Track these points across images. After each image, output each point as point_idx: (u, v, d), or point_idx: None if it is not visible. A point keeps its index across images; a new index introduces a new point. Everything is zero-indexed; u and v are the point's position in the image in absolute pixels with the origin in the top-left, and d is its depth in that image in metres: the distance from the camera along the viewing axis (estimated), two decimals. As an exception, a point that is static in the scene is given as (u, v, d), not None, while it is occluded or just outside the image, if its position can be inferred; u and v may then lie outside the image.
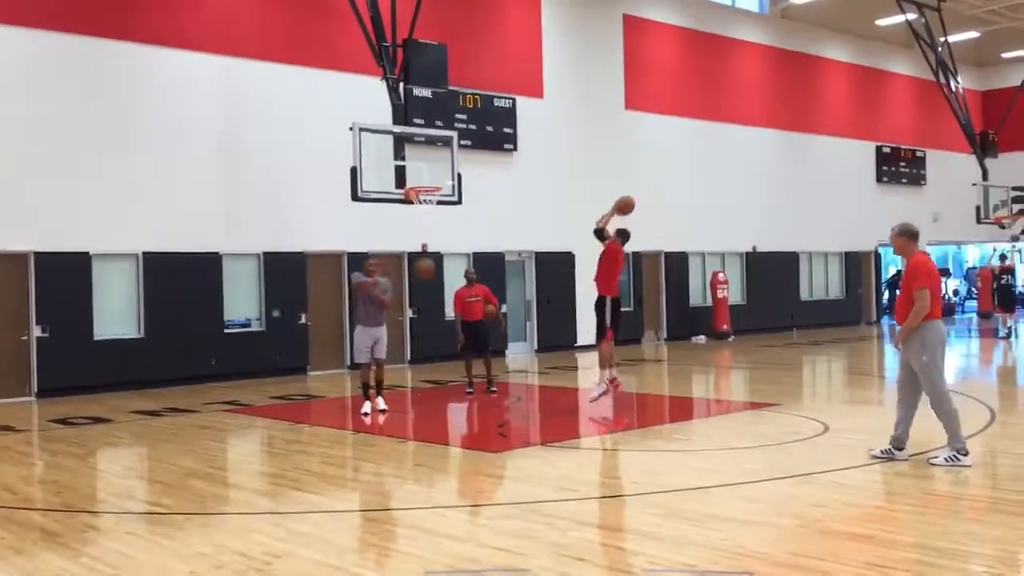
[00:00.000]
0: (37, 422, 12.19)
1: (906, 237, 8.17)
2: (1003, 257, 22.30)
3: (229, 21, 16.37)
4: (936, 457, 7.89)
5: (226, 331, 16.19)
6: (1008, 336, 21.04)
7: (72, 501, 7.50)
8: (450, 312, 18.01)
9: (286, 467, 8.81)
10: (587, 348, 20.99)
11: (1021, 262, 30.45)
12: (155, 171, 15.51)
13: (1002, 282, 21.94)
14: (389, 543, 6.25)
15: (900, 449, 8.06)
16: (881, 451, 8.16)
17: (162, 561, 5.76)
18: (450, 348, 14.18)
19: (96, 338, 14.81)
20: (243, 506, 7.34)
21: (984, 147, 26.31)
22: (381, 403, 11.85)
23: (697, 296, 23.85)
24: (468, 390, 13.48)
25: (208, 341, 15.83)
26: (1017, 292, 22.19)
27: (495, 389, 13.61)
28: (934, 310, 7.78)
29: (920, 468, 7.95)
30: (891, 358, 19.32)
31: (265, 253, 16.65)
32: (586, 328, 21.20)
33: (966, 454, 7.79)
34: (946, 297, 33.20)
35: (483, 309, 13.37)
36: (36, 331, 14.31)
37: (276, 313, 16.69)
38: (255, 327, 16.62)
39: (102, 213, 15.00)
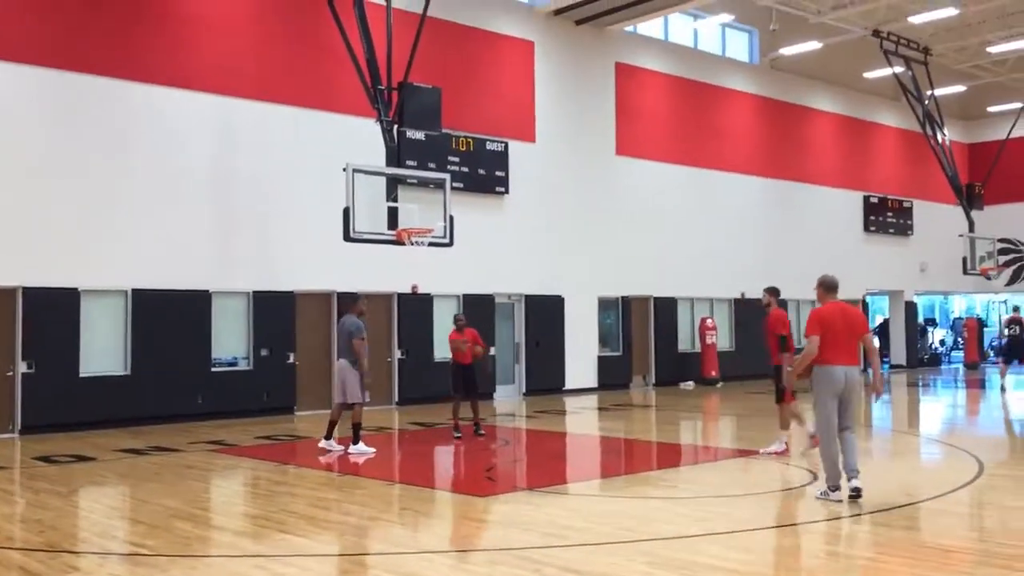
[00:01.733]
0: (20, 459, 12.05)
1: (822, 288, 8.86)
2: (1016, 308, 22.27)
3: (226, 61, 16.50)
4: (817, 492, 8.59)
5: (213, 369, 16.12)
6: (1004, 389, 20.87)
7: (55, 540, 7.40)
8: (439, 354, 18.02)
9: (272, 509, 8.72)
10: (575, 392, 20.97)
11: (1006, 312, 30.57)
12: (146, 208, 15.53)
13: (1010, 333, 21.71)
14: (375, 588, 6.18)
15: (835, 489, 8.38)
16: (820, 492, 8.52)
17: (145, 604, 5.67)
18: (445, 390, 14.11)
19: (82, 375, 14.72)
20: (228, 548, 7.25)
21: (970, 199, 26.61)
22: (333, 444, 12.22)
23: (686, 342, 23.89)
24: (456, 434, 13.44)
25: (195, 379, 15.75)
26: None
27: (483, 432, 13.58)
28: (827, 356, 8.38)
29: (911, 520, 7.94)
30: (879, 407, 19.35)
31: (255, 292, 16.63)
32: (574, 372, 21.26)
33: (836, 490, 8.32)
34: (932, 347, 33.36)
35: (471, 351, 13.41)
36: (22, 367, 14.21)
37: (264, 352, 16.63)
38: (243, 366, 16.55)
39: (92, 249, 14.98)
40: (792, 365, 9.57)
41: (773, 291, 11.63)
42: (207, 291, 16.08)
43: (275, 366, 16.70)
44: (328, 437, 12.28)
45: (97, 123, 15.14)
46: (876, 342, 9.80)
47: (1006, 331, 21.61)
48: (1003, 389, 21.02)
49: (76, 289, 14.78)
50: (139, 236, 15.43)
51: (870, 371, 8.86)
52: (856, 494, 8.22)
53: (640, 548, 6.87)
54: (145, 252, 15.46)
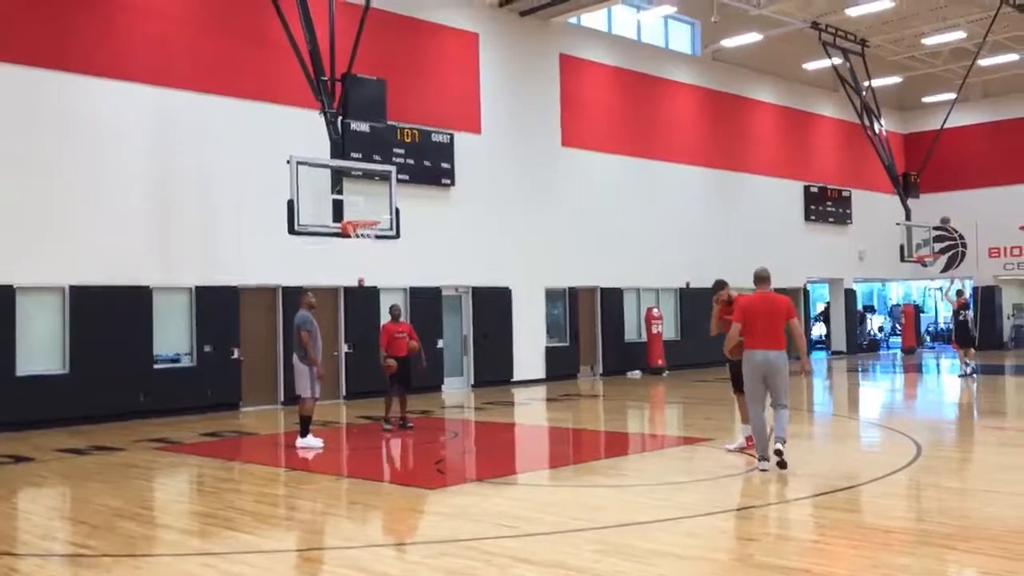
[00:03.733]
0: (-45, 461, 11.73)
1: (753, 279, 9.84)
2: (960, 292, 21.84)
3: (163, 51, 16.18)
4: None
5: (156, 366, 15.85)
6: (971, 373, 20.66)
7: (-7, 544, 7.23)
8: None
9: (218, 506, 8.61)
10: (524, 383, 21.04)
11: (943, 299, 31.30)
12: (84, 203, 15.19)
13: (959, 318, 21.15)
14: (325, 583, 6.15)
15: (763, 459, 9.26)
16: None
17: (89, 605, 5.57)
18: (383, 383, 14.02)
19: (19, 374, 14.36)
20: (174, 547, 7.15)
21: (907, 188, 27.19)
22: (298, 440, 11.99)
23: (632, 331, 24.09)
24: (386, 426, 13.45)
25: (137, 377, 15.47)
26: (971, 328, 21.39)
27: (412, 425, 13.65)
28: (749, 341, 9.33)
29: (852, 502, 8.12)
30: (821, 392, 19.73)
31: (197, 287, 16.37)
32: (522, 363, 21.32)
33: (764, 459, 9.22)
34: (871, 333, 34.11)
35: (407, 345, 13.41)
36: (-45, 366, 13.83)
37: (208, 348, 16.38)
38: (186, 362, 16.29)
39: (27, 245, 14.61)
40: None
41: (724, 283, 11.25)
42: (148, 287, 15.79)
43: (219, 362, 16.46)
44: (303, 435, 12.02)
45: (30, 115, 14.75)
46: (801, 327, 10.09)
47: (961, 315, 21.20)
48: (964, 374, 20.78)
49: (11, 286, 14.41)
50: (76, 231, 15.08)
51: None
52: (779, 455, 9.05)
53: (590, 536, 6.93)
54: (83, 248, 15.12)
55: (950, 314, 22.74)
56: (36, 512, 8.93)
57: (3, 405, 14.07)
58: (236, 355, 16.69)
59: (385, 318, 14.49)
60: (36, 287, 14.75)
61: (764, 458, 9.24)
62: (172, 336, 16.19)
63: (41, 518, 8.59)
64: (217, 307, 16.53)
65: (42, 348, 14.78)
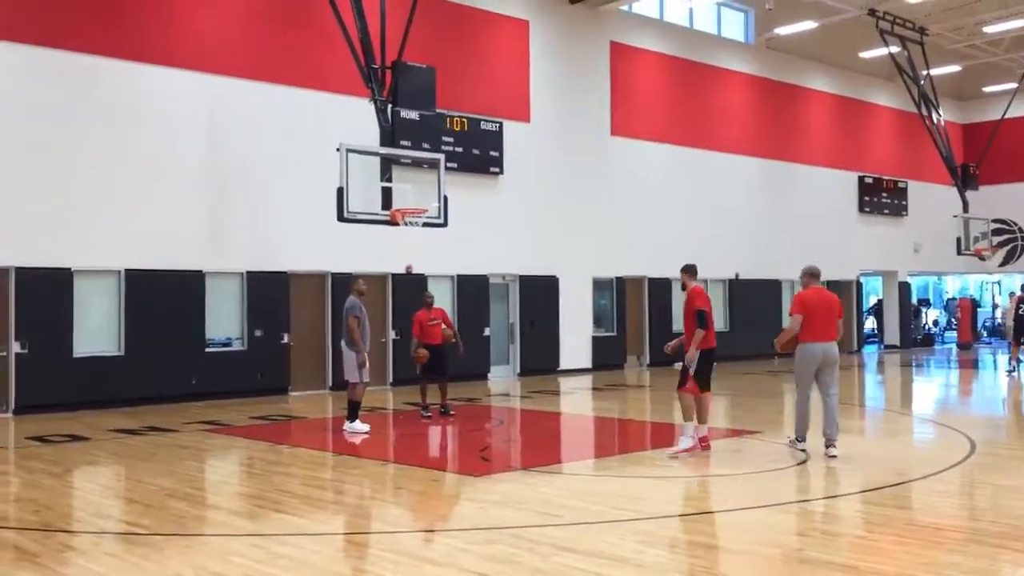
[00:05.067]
0: (14, 439, 12.05)
1: (806, 276, 10.08)
2: (1012, 295, 21.72)
3: (217, 40, 16.39)
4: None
5: (207, 350, 16.10)
6: (1011, 372, 20.35)
7: (49, 520, 7.42)
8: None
9: (267, 488, 8.74)
10: (570, 372, 21.02)
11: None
12: (139, 188, 15.46)
13: (1019, 312, 20.74)
14: (371, 566, 6.21)
15: (802, 439, 9.97)
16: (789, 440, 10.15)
17: (140, 582, 5.69)
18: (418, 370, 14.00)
19: (76, 355, 14.69)
20: (223, 527, 7.27)
21: (965, 180, 26.60)
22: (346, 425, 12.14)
23: (680, 322, 23.79)
24: (425, 414, 13.46)
25: (189, 360, 15.74)
26: None
27: (453, 412, 13.64)
28: (806, 334, 9.68)
29: (901, 499, 7.99)
30: (872, 387, 19.43)
31: (248, 272, 16.59)
32: (569, 352, 21.29)
33: (802, 440, 9.95)
34: (926, 327, 33.47)
35: (441, 333, 13.38)
36: (15, 347, 14.18)
37: (258, 332, 16.61)
38: (236, 346, 16.53)
39: (85, 229, 14.92)
40: (699, 348, 10.09)
41: (690, 269, 10.67)
42: (200, 271, 16.04)
43: (269, 347, 16.68)
44: (350, 420, 12.16)
45: (89, 102, 15.04)
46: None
47: (1021, 310, 20.80)
48: (1009, 371, 20.49)
49: (69, 269, 14.74)
50: (131, 216, 15.36)
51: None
52: (831, 456, 9.48)
53: (633, 527, 6.91)
54: (138, 232, 15.40)
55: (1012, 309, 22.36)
56: (90, 490, 9.14)
57: (60, 385, 14.42)
58: (286, 340, 16.90)
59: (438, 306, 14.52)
60: (93, 270, 15.06)
61: (803, 439, 9.94)
62: (224, 320, 16.44)
63: (95, 496, 8.79)
64: (267, 292, 16.74)
65: (98, 330, 15.10)
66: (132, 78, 15.48)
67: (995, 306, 20.96)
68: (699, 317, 10.04)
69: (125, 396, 14.93)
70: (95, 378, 14.77)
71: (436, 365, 13.36)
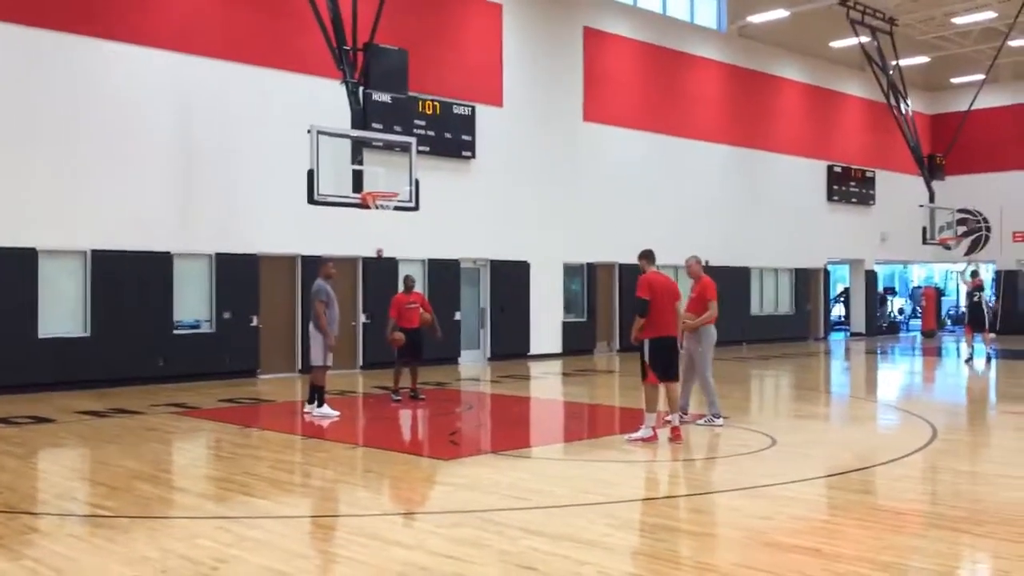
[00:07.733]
0: (-23, 420, 11.90)
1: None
2: (975, 274, 21.37)
3: (187, 19, 16.18)
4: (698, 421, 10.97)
5: (175, 332, 15.97)
6: (968, 360, 20.62)
7: (13, 502, 7.34)
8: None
9: (234, 471, 8.71)
10: (540, 357, 21.08)
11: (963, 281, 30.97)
12: (107, 168, 15.27)
13: (973, 299, 20.73)
14: (338, 549, 6.21)
15: (685, 413, 10.77)
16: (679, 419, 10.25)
17: (106, 565, 5.67)
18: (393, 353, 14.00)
19: (41, 335, 14.52)
20: (190, 510, 7.24)
21: (931, 169, 26.92)
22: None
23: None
24: (395, 397, 13.46)
25: (156, 341, 15.61)
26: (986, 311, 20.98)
27: (423, 396, 13.66)
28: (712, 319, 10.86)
29: (865, 484, 8.11)
30: (838, 373, 19.66)
31: (217, 254, 16.46)
32: (539, 337, 21.35)
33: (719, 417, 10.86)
34: (891, 315, 33.90)
35: (419, 316, 13.37)
36: (-22, 327, 13.99)
37: (227, 315, 16.50)
38: (205, 328, 16.41)
39: (51, 209, 14.72)
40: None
41: (648, 255, 10.54)
42: (168, 252, 15.89)
43: (238, 329, 16.58)
44: (310, 402, 12.14)
45: (54, 79, 14.80)
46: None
47: (975, 297, 20.81)
48: (969, 359, 20.77)
49: (34, 249, 14.54)
50: (99, 196, 15.17)
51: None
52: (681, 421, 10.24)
53: (601, 510, 6.96)
54: (105, 212, 15.22)
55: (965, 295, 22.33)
56: (55, 472, 9.06)
57: (25, 366, 14.25)
58: (255, 323, 16.80)
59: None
60: (59, 250, 14.87)
61: (718, 415, 10.91)
62: (192, 302, 16.31)
63: (60, 478, 8.72)
64: (236, 275, 16.62)
65: (64, 311, 14.93)
66: (100, 56, 15.25)
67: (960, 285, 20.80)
68: (639, 305, 10.01)
69: (91, 378, 14.79)
70: (61, 359, 14.61)
71: (412, 349, 13.34)
